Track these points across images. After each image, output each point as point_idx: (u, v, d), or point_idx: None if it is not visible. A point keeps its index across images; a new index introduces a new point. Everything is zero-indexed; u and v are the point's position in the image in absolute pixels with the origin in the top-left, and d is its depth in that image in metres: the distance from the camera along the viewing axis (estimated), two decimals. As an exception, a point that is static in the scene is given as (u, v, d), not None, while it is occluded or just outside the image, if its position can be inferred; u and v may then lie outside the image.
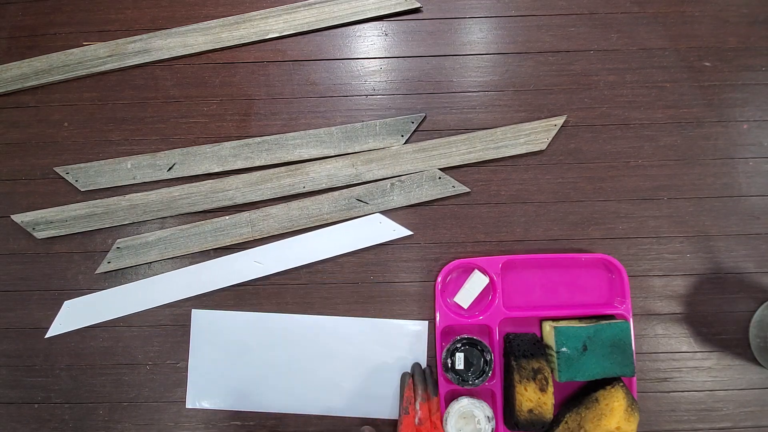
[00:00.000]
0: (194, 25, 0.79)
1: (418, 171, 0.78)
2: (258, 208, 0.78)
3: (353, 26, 0.80)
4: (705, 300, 0.77)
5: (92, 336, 0.79)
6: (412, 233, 0.78)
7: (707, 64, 0.79)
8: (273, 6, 0.79)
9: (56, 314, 0.78)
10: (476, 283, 0.75)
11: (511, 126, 0.78)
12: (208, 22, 0.79)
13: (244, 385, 0.77)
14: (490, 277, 0.75)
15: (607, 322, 0.72)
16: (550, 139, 0.77)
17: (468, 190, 0.78)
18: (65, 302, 0.78)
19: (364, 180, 0.78)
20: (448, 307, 0.75)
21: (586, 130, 0.78)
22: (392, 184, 0.78)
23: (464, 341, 0.71)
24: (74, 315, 0.78)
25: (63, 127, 0.80)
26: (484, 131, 0.78)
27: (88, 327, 0.78)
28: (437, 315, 0.74)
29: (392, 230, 0.78)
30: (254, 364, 0.77)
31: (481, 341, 0.71)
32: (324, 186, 0.78)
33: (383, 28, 0.80)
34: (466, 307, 0.75)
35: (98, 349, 0.79)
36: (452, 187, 0.78)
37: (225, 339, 0.78)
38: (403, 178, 0.78)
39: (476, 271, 0.75)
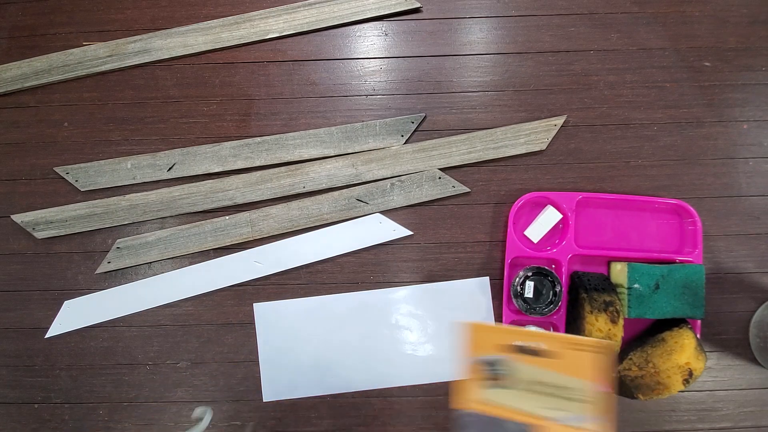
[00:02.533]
0: (194, 25, 0.79)
1: (418, 171, 0.78)
2: (258, 208, 0.78)
3: (353, 26, 0.80)
4: (705, 300, 0.77)
5: (92, 336, 0.79)
6: (412, 233, 0.78)
7: (707, 64, 0.79)
8: (273, 6, 0.79)
9: (56, 314, 0.78)
10: (549, 218, 0.75)
11: (511, 126, 0.78)
12: (208, 22, 0.79)
13: (317, 369, 0.77)
14: (563, 213, 0.75)
15: (680, 263, 0.72)
16: (550, 139, 0.77)
17: (468, 190, 0.78)
18: (65, 302, 0.78)
19: (364, 180, 0.78)
20: (519, 238, 0.76)
21: (586, 130, 0.78)
22: (392, 184, 0.78)
23: (535, 271, 0.72)
24: (74, 315, 0.78)
25: (63, 127, 0.80)
26: (484, 131, 0.78)
27: (88, 327, 0.78)
28: (507, 245, 0.75)
29: (392, 230, 0.78)
30: (323, 347, 0.78)
31: (552, 272, 0.72)
32: (324, 186, 0.78)
33: (383, 28, 0.80)
34: (536, 241, 0.76)
35: (98, 349, 0.79)
36: (452, 187, 0.78)
37: (289, 327, 0.78)
38: (403, 178, 0.78)
39: (549, 206, 0.75)
